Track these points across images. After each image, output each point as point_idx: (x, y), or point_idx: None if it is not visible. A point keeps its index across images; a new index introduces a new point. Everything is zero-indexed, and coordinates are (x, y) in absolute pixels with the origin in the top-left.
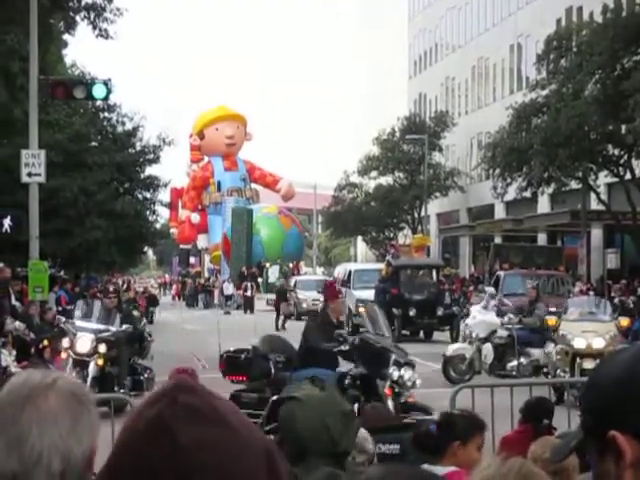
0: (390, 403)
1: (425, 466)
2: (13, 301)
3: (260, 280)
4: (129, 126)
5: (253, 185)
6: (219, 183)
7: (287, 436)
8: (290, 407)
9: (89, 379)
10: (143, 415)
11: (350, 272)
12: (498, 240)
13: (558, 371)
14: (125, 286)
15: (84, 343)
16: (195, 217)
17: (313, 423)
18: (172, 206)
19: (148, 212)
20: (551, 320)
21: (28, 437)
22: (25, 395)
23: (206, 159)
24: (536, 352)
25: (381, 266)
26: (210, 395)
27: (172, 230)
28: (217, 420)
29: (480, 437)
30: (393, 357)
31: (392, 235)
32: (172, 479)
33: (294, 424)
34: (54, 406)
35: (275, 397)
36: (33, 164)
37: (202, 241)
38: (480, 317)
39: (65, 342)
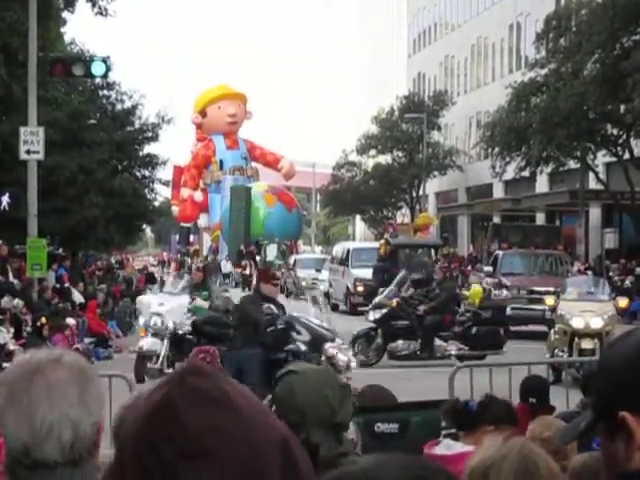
0: None
1: (446, 441)
2: (11, 278)
3: (258, 258)
4: (128, 104)
5: (253, 164)
6: (221, 161)
7: (286, 408)
8: (288, 380)
9: None
10: (151, 397)
11: (348, 251)
12: (496, 219)
13: (556, 351)
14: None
15: None
16: (198, 195)
17: (311, 393)
18: (175, 184)
19: (147, 190)
20: (549, 300)
21: (38, 408)
22: (33, 368)
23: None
24: None
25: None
26: (222, 379)
27: (173, 208)
28: (226, 405)
29: (513, 429)
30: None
31: (390, 214)
32: (176, 462)
33: (293, 395)
34: (63, 378)
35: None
36: (32, 141)
37: (202, 220)
38: (172, 303)
39: None
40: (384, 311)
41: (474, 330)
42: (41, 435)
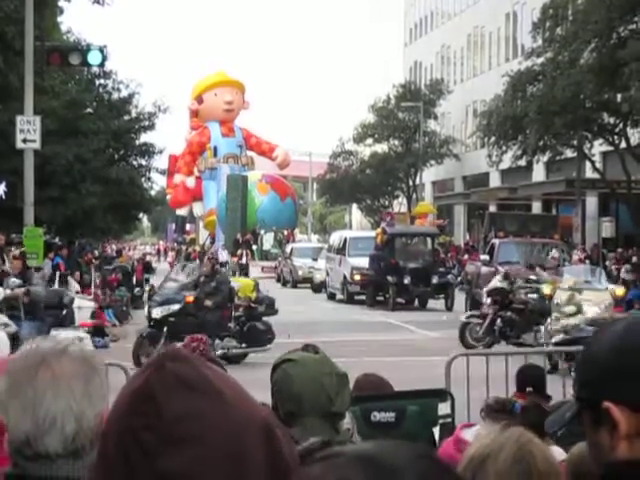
0: None
1: (479, 427)
2: (8, 267)
3: (255, 247)
4: (125, 93)
5: (248, 152)
6: (215, 149)
7: (283, 396)
8: (285, 368)
9: None
10: (132, 384)
11: (345, 239)
12: (493, 208)
13: (553, 340)
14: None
15: None
16: (190, 181)
17: (309, 382)
18: (170, 173)
19: (143, 179)
20: (546, 289)
21: (43, 400)
22: (39, 360)
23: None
24: None
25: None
26: (203, 365)
27: (168, 197)
28: (207, 390)
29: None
30: None
31: (387, 203)
32: (154, 447)
33: (290, 384)
34: (67, 370)
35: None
36: (28, 130)
37: (198, 208)
38: None
39: None
40: (173, 307)
41: (247, 326)
42: (44, 427)
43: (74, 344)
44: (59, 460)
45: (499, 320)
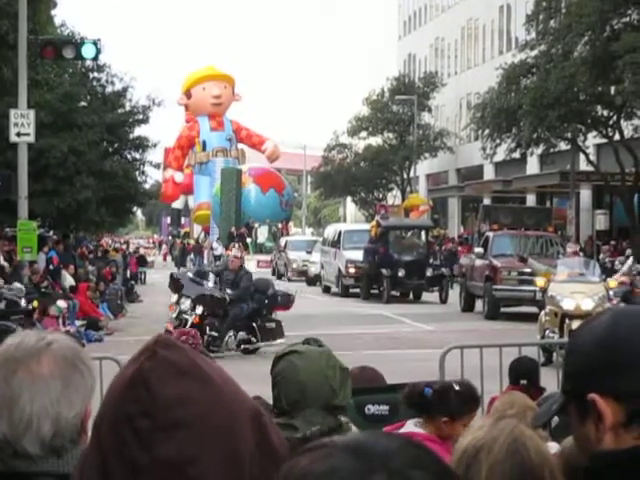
0: None
1: (409, 423)
2: (1, 261)
3: (249, 240)
4: (119, 86)
5: (240, 145)
6: (204, 143)
7: (287, 386)
8: (291, 359)
9: None
10: (125, 372)
11: (340, 233)
12: (487, 201)
13: (547, 332)
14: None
15: None
16: (178, 176)
17: (314, 374)
18: (165, 166)
19: (137, 172)
20: (540, 281)
21: (19, 401)
22: (18, 358)
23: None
24: None
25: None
26: (193, 352)
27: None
28: (199, 376)
29: (471, 415)
30: None
31: (381, 196)
32: (150, 433)
33: (296, 374)
34: (46, 370)
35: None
36: (22, 124)
37: (191, 202)
38: None
39: None
40: None
41: None
42: (20, 428)
43: (57, 341)
44: (39, 461)
45: (207, 328)
